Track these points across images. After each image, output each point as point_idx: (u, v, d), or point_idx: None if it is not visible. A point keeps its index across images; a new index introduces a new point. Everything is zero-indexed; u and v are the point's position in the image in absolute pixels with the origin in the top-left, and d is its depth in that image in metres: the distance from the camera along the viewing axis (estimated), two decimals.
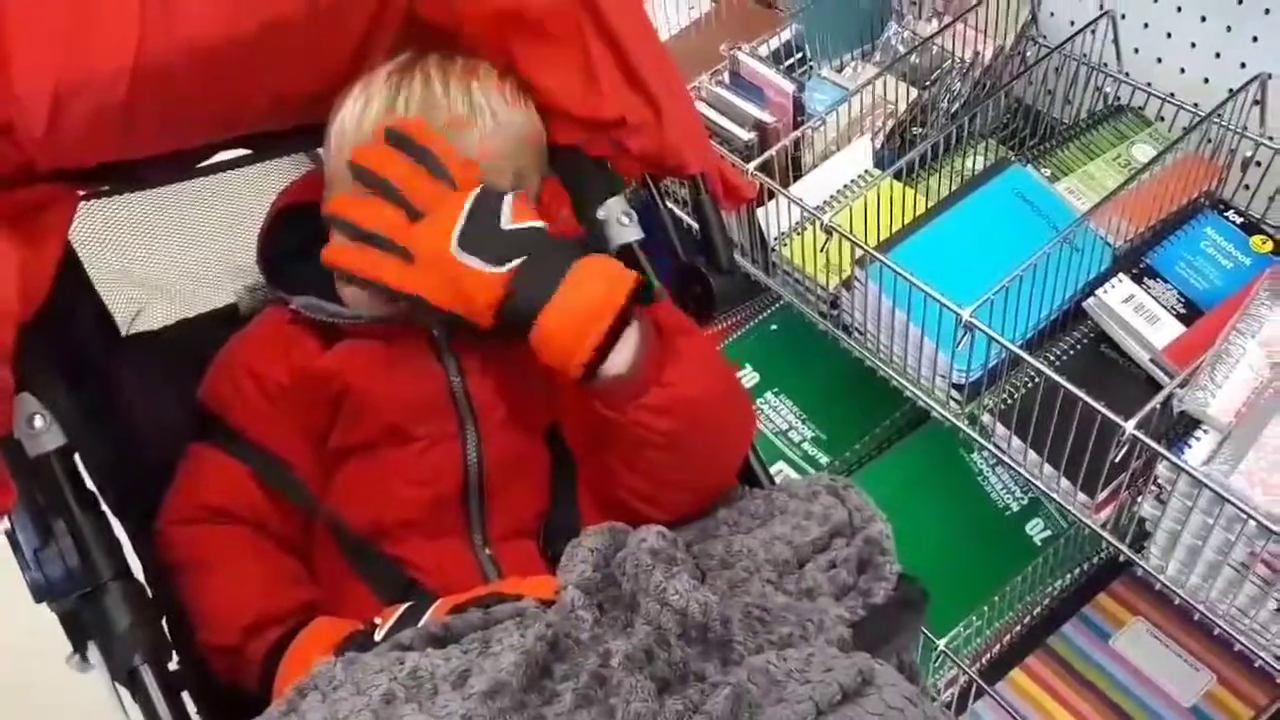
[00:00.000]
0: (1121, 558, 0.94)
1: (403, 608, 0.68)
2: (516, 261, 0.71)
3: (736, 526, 0.77)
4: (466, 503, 0.79)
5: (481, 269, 0.70)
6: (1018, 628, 1.24)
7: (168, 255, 0.96)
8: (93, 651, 0.69)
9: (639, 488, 0.77)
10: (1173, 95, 1.19)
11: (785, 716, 0.53)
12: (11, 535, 0.63)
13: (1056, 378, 0.88)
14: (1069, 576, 1.26)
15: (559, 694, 0.51)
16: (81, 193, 0.79)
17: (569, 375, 0.72)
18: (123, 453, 0.80)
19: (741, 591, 0.67)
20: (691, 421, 0.74)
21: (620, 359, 0.72)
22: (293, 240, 0.87)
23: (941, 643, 1.11)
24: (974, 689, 1.18)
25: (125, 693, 0.68)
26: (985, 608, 1.15)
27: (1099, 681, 1.19)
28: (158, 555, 0.75)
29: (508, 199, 0.74)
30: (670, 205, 0.91)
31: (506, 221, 0.73)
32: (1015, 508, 1.29)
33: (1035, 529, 1.28)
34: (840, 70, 1.30)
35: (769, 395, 1.39)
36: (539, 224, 0.74)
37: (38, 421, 0.66)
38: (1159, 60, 1.21)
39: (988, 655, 1.22)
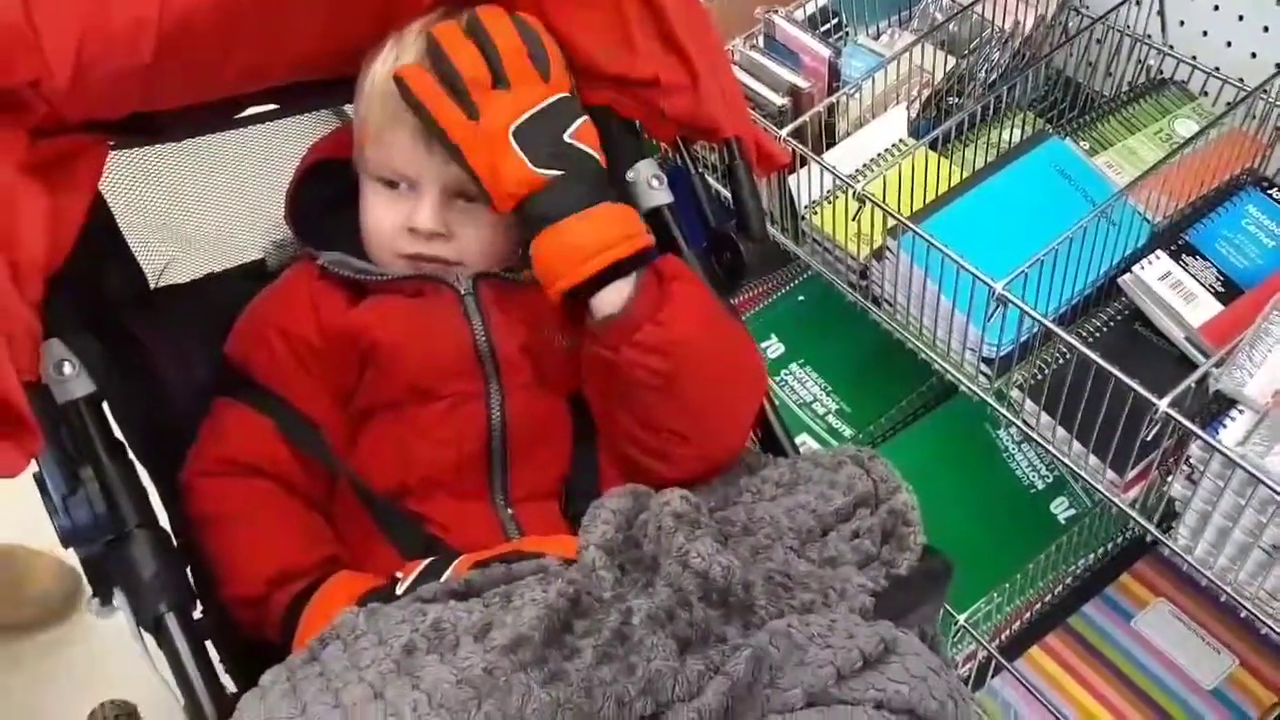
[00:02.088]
0: (1148, 538, 0.93)
1: (424, 563, 0.68)
2: (555, 173, 0.73)
3: (760, 494, 0.77)
4: (490, 462, 0.79)
5: (523, 162, 0.72)
6: (1039, 606, 1.23)
7: (197, 209, 0.96)
8: (117, 597, 0.70)
9: (642, 440, 0.77)
10: (1218, 69, 1.16)
11: (806, 679, 0.53)
12: (40, 480, 0.64)
13: (1089, 353, 0.87)
14: (1092, 556, 1.25)
15: (580, 650, 0.51)
16: (111, 143, 0.78)
17: (550, 292, 0.74)
18: (149, 404, 0.81)
19: (764, 558, 0.67)
20: (683, 362, 0.74)
21: (614, 298, 0.74)
22: (322, 196, 0.87)
23: (961, 618, 1.11)
24: (992, 665, 1.18)
25: (150, 640, 0.69)
26: (1006, 584, 1.14)
27: (1119, 662, 1.18)
28: (183, 507, 0.75)
29: (582, 118, 0.76)
30: (701, 170, 0.91)
31: (569, 135, 0.75)
32: (1040, 486, 1.28)
33: (1060, 508, 1.27)
34: (877, 37, 1.28)
35: (794, 367, 1.38)
36: (595, 154, 0.76)
37: (66, 368, 0.66)
38: (1205, 33, 1.18)
39: (1007, 632, 1.21)
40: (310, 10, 0.76)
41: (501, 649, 0.49)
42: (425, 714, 0.46)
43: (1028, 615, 1.23)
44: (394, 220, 0.79)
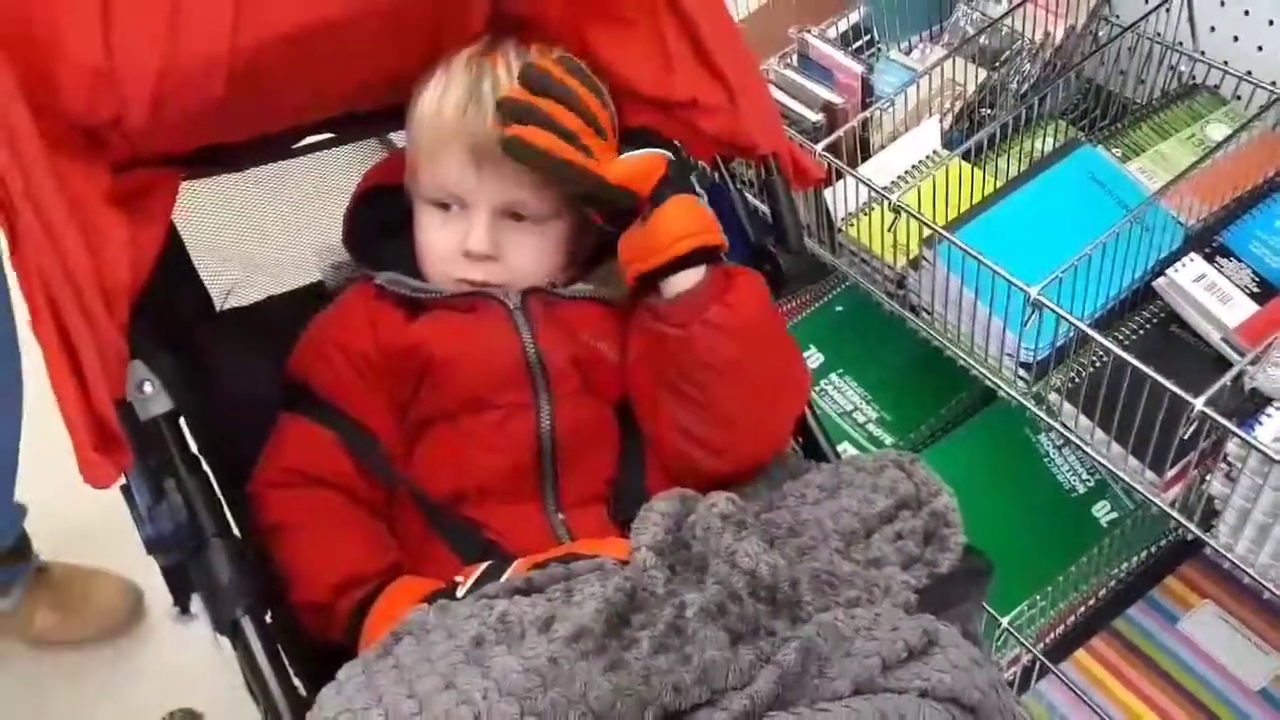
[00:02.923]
0: (1190, 538, 0.94)
1: (483, 566, 0.72)
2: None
3: (804, 498, 0.79)
4: (541, 469, 0.82)
5: (647, 154, 0.80)
6: (1082, 609, 1.24)
7: (257, 235, 1.01)
8: (195, 604, 0.74)
9: (691, 429, 0.80)
10: (1249, 74, 1.17)
11: (853, 669, 0.55)
12: (126, 491, 0.68)
13: (1124, 354, 0.88)
14: (1136, 559, 1.26)
15: (637, 640, 0.54)
16: (182, 176, 0.83)
17: (650, 263, 0.79)
18: (218, 420, 0.85)
19: (809, 558, 0.69)
20: (746, 345, 0.79)
21: (689, 276, 0.79)
22: (376, 220, 0.92)
23: (1005, 620, 1.12)
24: (1037, 668, 1.19)
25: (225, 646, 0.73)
26: (1049, 588, 1.15)
27: (1165, 664, 1.19)
28: (252, 516, 0.79)
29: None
30: (739, 187, 0.94)
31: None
32: (1082, 489, 1.29)
33: (1102, 511, 1.28)
34: (908, 52, 1.30)
35: (833, 377, 1.40)
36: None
37: (147, 387, 0.70)
38: (1235, 38, 1.19)
39: (1051, 635, 1.22)
40: (368, 44, 0.80)
41: (564, 639, 0.52)
42: (495, 701, 0.50)
43: (1072, 619, 1.24)
44: (447, 243, 0.83)
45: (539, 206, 0.81)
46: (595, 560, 0.63)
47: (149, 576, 1.44)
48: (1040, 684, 1.21)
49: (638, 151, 0.81)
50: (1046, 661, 1.16)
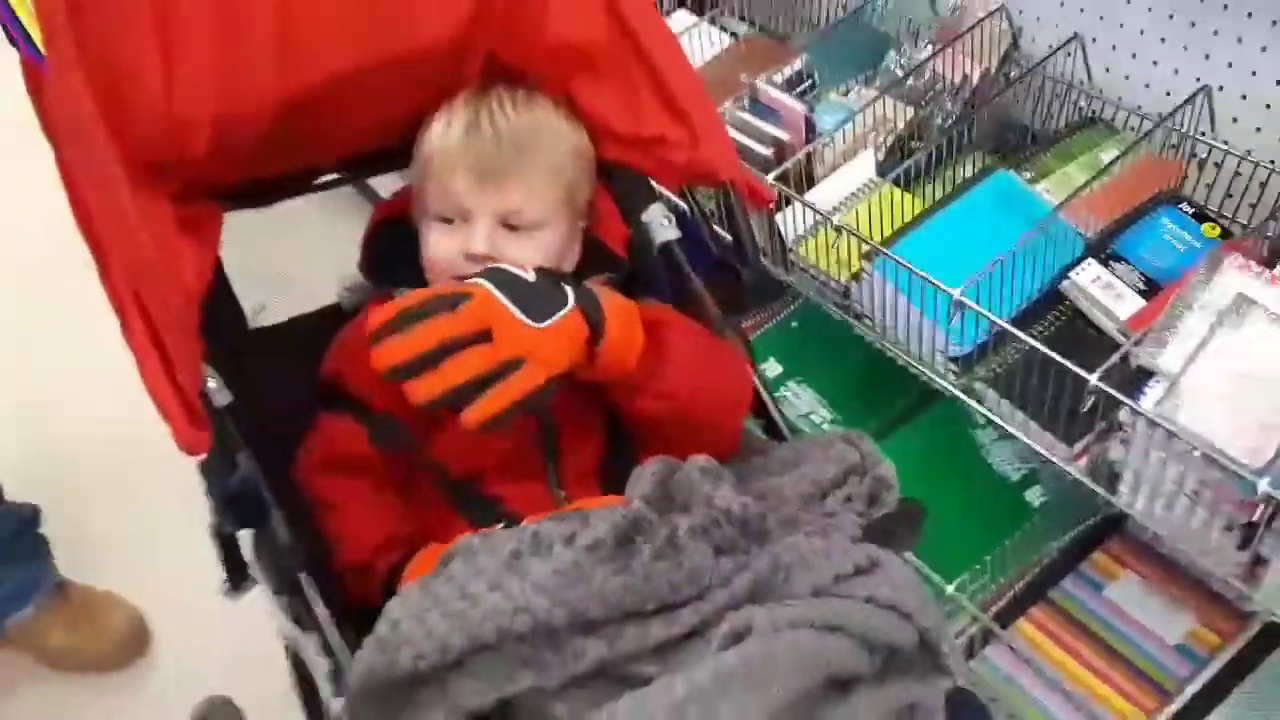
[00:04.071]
0: (1103, 514, 1.08)
1: (499, 527, 0.85)
2: (572, 297, 0.84)
3: (768, 471, 0.93)
4: (543, 450, 0.95)
5: (564, 315, 0.82)
6: (1020, 584, 1.38)
7: (281, 261, 1.14)
8: (254, 571, 0.86)
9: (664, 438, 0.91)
10: (1139, 108, 1.35)
11: (810, 579, 0.69)
12: (204, 468, 0.81)
13: (1034, 342, 1.04)
14: (1066, 539, 1.41)
15: (640, 552, 0.67)
16: (225, 209, 0.97)
17: (623, 367, 0.86)
18: (254, 421, 0.97)
19: (774, 510, 0.83)
20: (685, 401, 0.89)
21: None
22: (389, 247, 1.05)
23: (949, 588, 1.26)
24: (982, 636, 1.33)
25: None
26: (988, 558, 1.30)
27: (1095, 627, 1.33)
28: (299, 498, 0.91)
29: (510, 261, 0.87)
30: (702, 214, 1.08)
31: (529, 275, 0.84)
32: (1015, 477, 1.45)
33: (1033, 495, 1.43)
34: (845, 94, 1.47)
35: (791, 384, 1.55)
36: (535, 271, 0.86)
37: (211, 383, 0.84)
38: (1126, 77, 1.37)
39: (994, 608, 1.36)
40: (387, 89, 0.95)
41: (584, 549, 0.66)
42: (531, 595, 0.63)
43: (1011, 593, 1.38)
44: (450, 249, 0.93)
45: (533, 214, 0.92)
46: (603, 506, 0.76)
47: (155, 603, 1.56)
48: (986, 650, 1.35)
49: (550, 319, 0.81)
50: (993, 626, 1.30)
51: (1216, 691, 1.23)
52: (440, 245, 0.96)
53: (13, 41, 0.87)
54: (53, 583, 1.49)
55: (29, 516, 1.47)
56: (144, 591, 1.59)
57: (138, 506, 1.71)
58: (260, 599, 0.93)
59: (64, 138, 0.82)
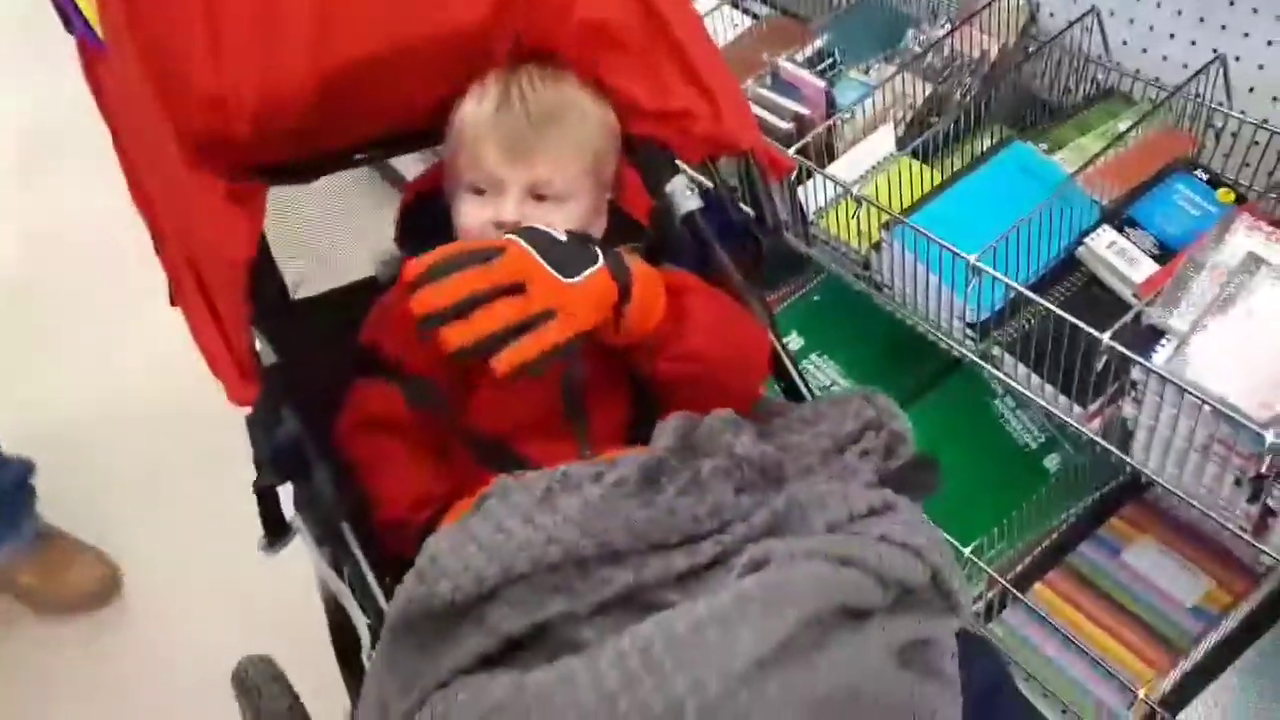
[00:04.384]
0: (1123, 478, 1.10)
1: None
2: (601, 257, 0.87)
3: (789, 429, 0.97)
4: (571, 413, 0.99)
5: (594, 272, 0.85)
6: (1038, 549, 1.41)
7: (324, 235, 1.19)
8: (296, 521, 0.91)
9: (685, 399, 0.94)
10: (1157, 79, 1.37)
11: (826, 516, 0.73)
12: (251, 421, 0.86)
13: (1051, 306, 1.07)
14: (1083, 504, 1.44)
15: (665, 488, 0.72)
16: (268, 185, 1.02)
17: (648, 329, 0.90)
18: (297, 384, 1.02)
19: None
20: (704, 363, 0.92)
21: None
22: (423, 219, 1.10)
23: (967, 550, 1.29)
24: (1000, 599, 1.36)
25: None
26: (1005, 522, 1.33)
27: (1112, 590, 1.36)
28: (339, 457, 0.96)
29: (540, 224, 0.89)
30: (726, 188, 1.12)
31: (560, 235, 0.87)
32: (1034, 445, 1.47)
33: (1052, 463, 1.46)
34: (866, 71, 1.50)
35: (813, 357, 1.59)
36: (566, 232, 0.88)
37: (258, 344, 0.88)
38: (1144, 50, 1.39)
39: (1012, 573, 1.40)
40: (420, 70, 1.00)
41: (611, 485, 0.70)
42: (562, 525, 0.67)
43: (1029, 559, 1.41)
44: (482, 217, 0.97)
45: (561, 186, 0.96)
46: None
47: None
48: (1005, 613, 1.39)
49: (580, 276, 0.83)
50: (1011, 588, 1.33)
51: (1229, 651, 1.26)
52: (472, 214, 1.00)
53: (68, 26, 0.92)
54: (33, 533, 1.63)
55: (22, 472, 1.62)
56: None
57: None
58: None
59: (121, 117, 0.87)
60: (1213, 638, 1.26)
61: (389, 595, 0.83)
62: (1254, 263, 1.00)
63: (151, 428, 1.94)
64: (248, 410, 0.85)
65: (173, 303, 0.89)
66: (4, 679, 1.63)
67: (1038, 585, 1.39)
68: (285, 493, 0.95)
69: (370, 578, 0.85)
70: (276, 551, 1.00)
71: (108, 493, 1.83)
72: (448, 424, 0.99)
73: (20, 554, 1.64)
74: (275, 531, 0.98)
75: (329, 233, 1.22)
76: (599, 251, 0.88)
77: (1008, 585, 1.33)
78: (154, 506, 1.82)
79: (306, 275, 1.17)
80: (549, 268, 0.83)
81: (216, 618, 1.64)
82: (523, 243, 0.84)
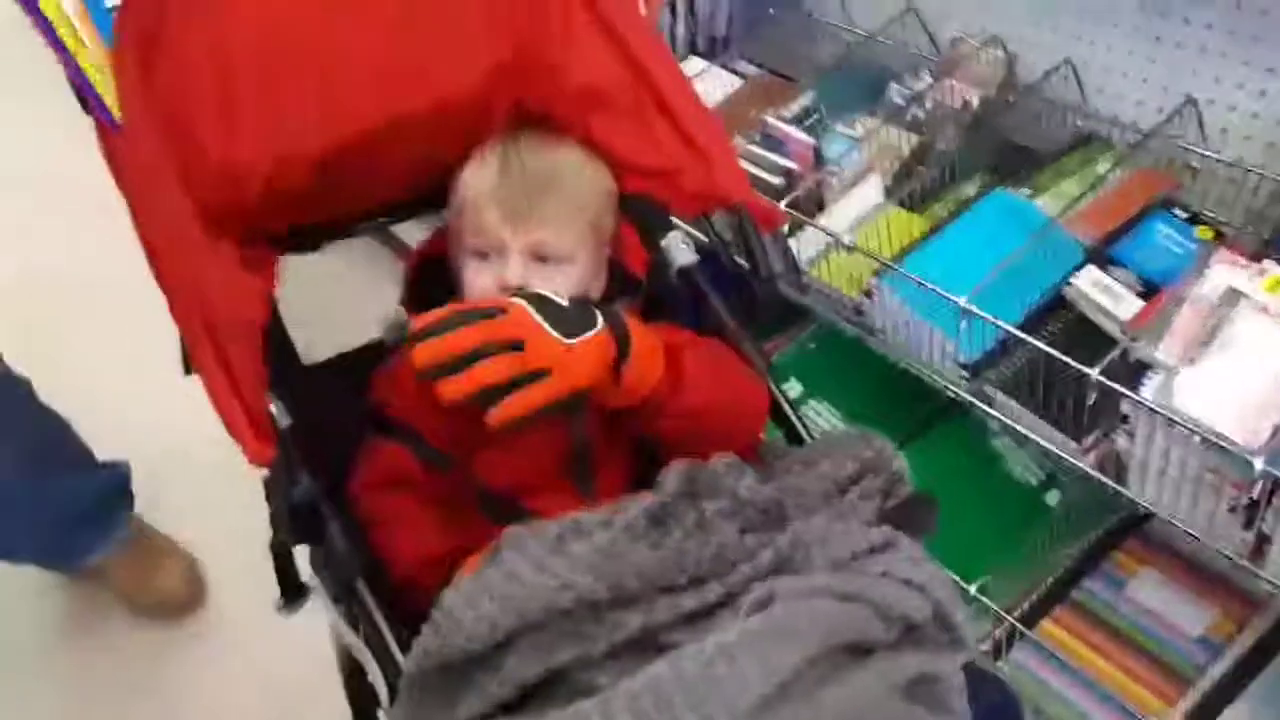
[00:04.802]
0: (1120, 515, 1.12)
1: None
2: (600, 319, 0.89)
3: (788, 472, 0.99)
4: (578, 470, 1.02)
5: (593, 335, 0.87)
6: (1044, 585, 1.43)
7: (330, 300, 1.23)
8: (312, 581, 0.93)
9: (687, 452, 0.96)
10: (1134, 123, 1.42)
11: (829, 554, 0.75)
12: (267, 482, 0.88)
13: (1038, 344, 1.10)
14: (1086, 540, 1.45)
15: (672, 532, 0.74)
16: (279, 252, 1.06)
17: (647, 390, 0.92)
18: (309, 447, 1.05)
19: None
20: (704, 420, 0.95)
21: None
22: (430, 282, 1.13)
23: (972, 588, 1.31)
24: (1008, 637, 1.37)
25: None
26: (1010, 559, 1.34)
27: (1117, 623, 1.38)
28: (353, 516, 0.98)
29: (544, 289, 0.92)
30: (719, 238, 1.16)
31: (562, 301, 0.89)
32: (1034, 482, 1.50)
33: (1052, 498, 1.48)
34: (851, 126, 1.54)
35: (812, 402, 1.62)
36: (571, 297, 0.92)
37: (273, 407, 0.91)
38: (1119, 96, 1.44)
39: (1019, 610, 1.41)
40: (422, 140, 1.04)
41: (621, 530, 0.72)
42: (574, 572, 0.70)
43: (1034, 596, 1.42)
44: (486, 282, 1.00)
45: (561, 247, 0.99)
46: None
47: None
48: (1014, 652, 1.39)
49: (579, 338, 0.86)
50: (1020, 626, 1.34)
51: (1239, 679, 1.27)
52: (477, 278, 1.03)
53: (86, 108, 0.97)
54: (126, 537, 1.66)
55: (120, 480, 1.66)
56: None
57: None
58: None
59: (139, 193, 0.91)
60: (1220, 667, 1.27)
61: (406, 650, 0.85)
62: (1234, 296, 1.03)
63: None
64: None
65: (187, 371, 0.92)
66: (98, 672, 1.67)
67: (1045, 622, 1.40)
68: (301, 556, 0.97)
69: (388, 633, 0.87)
70: (293, 613, 1.01)
71: (196, 497, 1.85)
72: (458, 481, 1.02)
73: (110, 554, 1.67)
74: (292, 592, 1.00)
75: (333, 298, 1.25)
76: (599, 315, 0.91)
77: (1015, 623, 1.34)
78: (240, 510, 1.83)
79: (313, 340, 1.20)
80: (549, 328, 0.86)
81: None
82: (524, 303, 0.87)
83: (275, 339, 1.07)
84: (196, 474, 1.85)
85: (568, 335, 0.88)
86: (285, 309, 1.15)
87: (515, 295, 0.90)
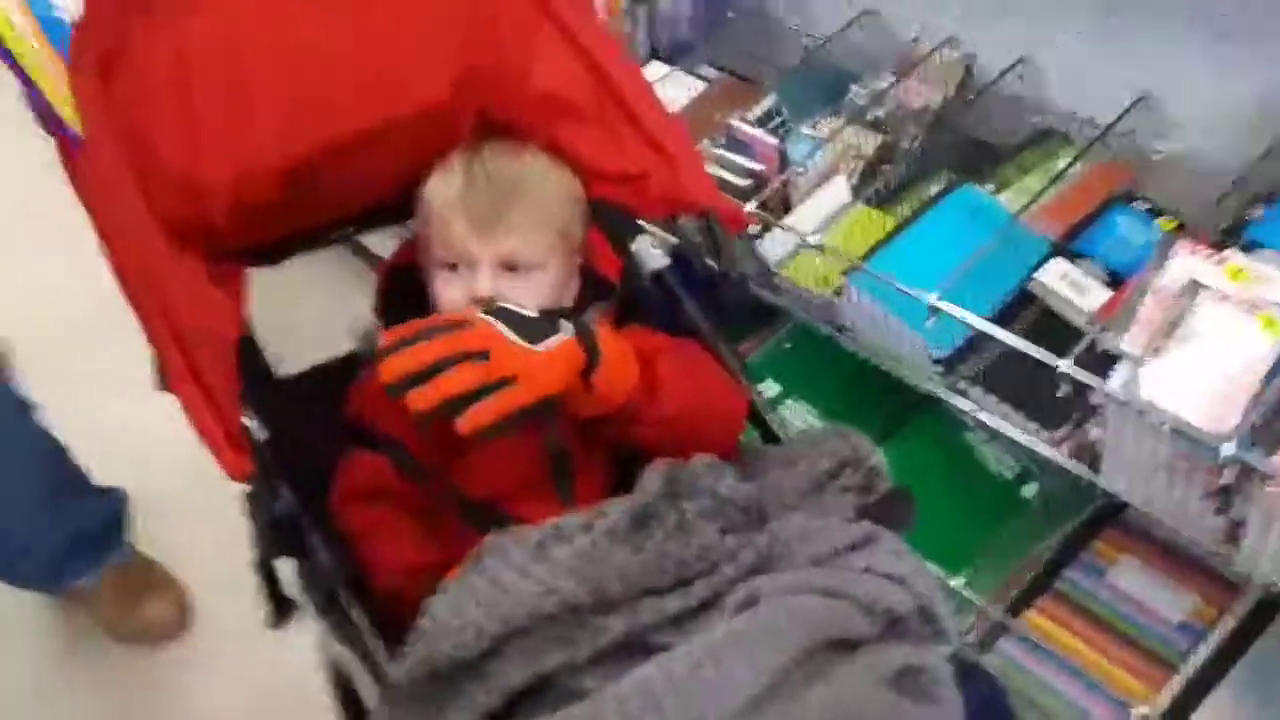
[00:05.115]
0: (1098, 504, 1.13)
1: None
2: (569, 325, 0.90)
3: (766, 471, 0.99)
4: (557, 476, 1.01)
5: (558, 341, 0.88)
6: (1026, 576, 1.43)
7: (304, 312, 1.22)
8: (295, 591, 0.92)
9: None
10: (1092, 119, 1.44)
11: (810, 551, 0.75)
12: (249, 498, 0.87)
13: (1008, 336, 1.11)
14: (1065, 530, 1.46)
15: (653, 534, 0.74)
16: (245, 266, 1.05)
17: (621, 397, 0.92)
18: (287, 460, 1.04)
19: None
20: (681, 425, 0.95)
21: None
22: (402, 292, 1.13)
23: (954, 582, 1.31)
24: (992, 629, 1.37)
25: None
26: (990, 552, 1.35)
27: (1101, 612, 1.38)
28: (334, 528, 0.97)
29: (513, 302, 0.93)
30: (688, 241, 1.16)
31: (529, 312, 0.91)
32: (1009, 475, 1.50)
33: (1029, 491, 1.49)
34: (815, 126, 1.55)
35: (789, 402, 1.62)
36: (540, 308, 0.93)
37: (249, 421, 0.90)
38: (1076, 92, 1.46)
39: (1002, 603, 1.41)
40: (388, 152, 1.03)
41: (601, 533, 0.72)
42: (557, 576, 0.69)
43: (1017, 588, 1.43)
44: (456, 294, 0.99)
45: (531, 256, 0.98)
46: None
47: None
48: (999, 643, 1.40)
49: (544, 344, 0.87)
50: (1004, 618, 1.35)
51: (1221, 663, 1.28)
52: (447, 290, 1.02)
53: (46, 127, 0.95)
54: (121, 561, 1.64)
55: (115, 508, 1.64)
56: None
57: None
58: None
59: (102, 207, 0.90)
60: (1203, 651, 1.28)
61: (392, 660, 0.84)
62: (1195, 287, 1.04)
63: None
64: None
65: (160, 387, 0.91)
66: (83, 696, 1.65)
67: (1028, 613, 1.40)
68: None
69: (375, 644, 0.86)
70: (281, 627, 1.00)
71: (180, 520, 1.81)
72: (436, 490, 1.01)
73: (99, 579, 1.64)
74: (280, 607, 0.98)
75: (303, 310, 1.25)
76: (564, 324, 0.91)
77: (999, 615, 1.35)
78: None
79: (283, 353, 1.19)
80: (513, 336, 0.86)
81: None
82: (489, 318, 0.87)
83: (247, 352, 1.06)
84: (182, 490, 1.77)
85: (532, 343, 0.88)
86: (255, 322, 1.15)
87: (484, 312, 0.89)
